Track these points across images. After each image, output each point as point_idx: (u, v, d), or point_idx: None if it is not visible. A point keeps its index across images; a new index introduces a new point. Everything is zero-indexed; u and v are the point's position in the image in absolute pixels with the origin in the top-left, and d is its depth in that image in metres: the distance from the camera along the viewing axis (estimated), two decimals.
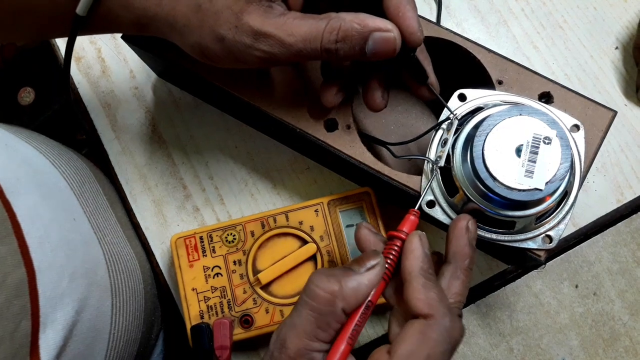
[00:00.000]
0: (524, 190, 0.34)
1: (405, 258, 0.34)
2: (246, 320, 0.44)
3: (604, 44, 0.53)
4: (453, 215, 0.38)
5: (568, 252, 0.49)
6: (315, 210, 0.46)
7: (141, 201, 0.51)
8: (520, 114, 0.35)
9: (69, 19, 0.36)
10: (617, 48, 0.53)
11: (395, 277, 0.34)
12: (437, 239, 0.49)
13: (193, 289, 0.45)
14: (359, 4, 0.35)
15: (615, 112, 0.41)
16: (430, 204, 0.39)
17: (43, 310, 0.34)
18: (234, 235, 0.46)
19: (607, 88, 0.52)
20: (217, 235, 0.46)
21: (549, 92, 0.41)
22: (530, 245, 0.38)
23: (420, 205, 0.37)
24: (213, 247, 0.46)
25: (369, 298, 0.32)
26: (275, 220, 0.46)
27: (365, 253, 0.34)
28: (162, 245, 0.50)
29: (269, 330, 0.44)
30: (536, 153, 0.34)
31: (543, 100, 0.41)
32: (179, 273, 0.45)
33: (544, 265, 0.49)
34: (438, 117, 0.49)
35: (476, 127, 0.36)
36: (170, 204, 0.51)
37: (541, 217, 0.37)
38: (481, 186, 0.35)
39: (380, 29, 0.34)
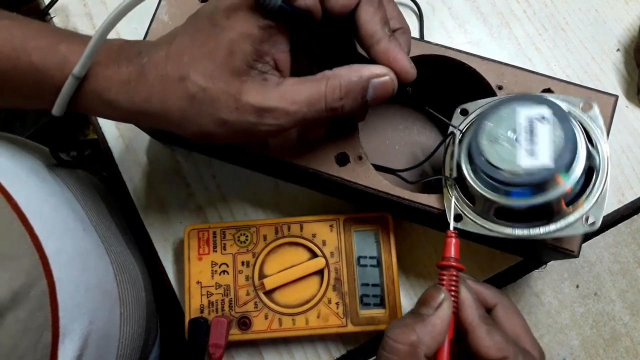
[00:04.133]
0: (532, 172, 0.34)
1: (460, 310, 0.34)
2: (244, 322, 0.44)
3: (606, 46, 0.53)
4: (482, 222, 0.37)
5: None
6: (330, 226, 0.46)
7: (144, 199, 0.51)
8: (511, 103, 0.35)
9: (50, 105, 0.35)
10: (618, 50, 0.53)
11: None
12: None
13: (198, 282, 0.45)
14: (341, 58, 0.35)
15: (617, 97, 0.41)
16: (458, 218, 0.38)
17: (62, 322, 0.34)
18: (247, 236, 0.46)
19: (609, 90, 0.51)
20: (230, 233, 0.46)
21: (549, 88, 0.41)
22: (570, 233, 0.36)
23: (449, 222, 0.38)
24: (224, 244, 0.46)
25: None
26: (289, 228, 0.46)
27: (429, 292, 0.34)
28: (165, 242, 0.50)
29: (264, 337, 0.45)
30: (534, 134, 0.34)
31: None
32: (187, 264, 0.45)
33: (544, 266, 0.49)
34: (439, 127, 0.49)
35: (474, 129, 0.37)
36: (173, 202, 0.51)
37: (572, 200, 0.36)
38: (492, 182, 0.35)
39: (377, 75, 0.34)
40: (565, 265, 0.49)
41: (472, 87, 0.43)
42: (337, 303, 0.45)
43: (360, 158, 0.41)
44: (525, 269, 0.49)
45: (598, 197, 0.36)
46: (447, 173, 0.40)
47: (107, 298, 0.40)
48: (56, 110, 0.35)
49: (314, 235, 0.46)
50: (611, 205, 0.50)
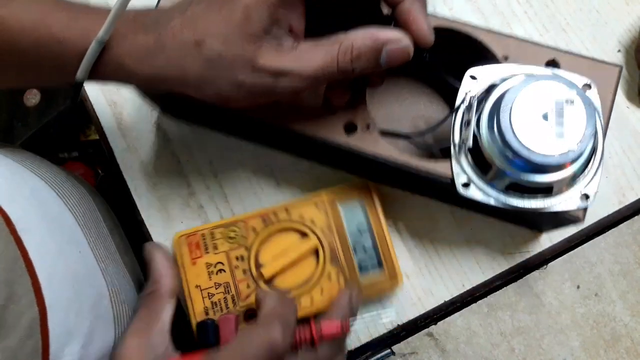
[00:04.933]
0: (558, 154, 0.35)
1: None
2: (251, 315, 0.44)
3: (607, 46, 0.53)
4: (490, 191, 0.39)
5: (570, 252, 0.49)
6: (316, 204, 0.46)
7: (146, 198, 0.51)
8: (538, 81, 0.36)
9: (71, 76, 0.36)
10: (619, 51, 0.53)
11: None
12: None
13: (197, 286, 0.45)
14: (359, 18, 0.36)
15: (621, 67, 0.42)
16: (466, 186, 0.39)
17: (53, 348, 0.34)
18: (236, 232, 0.46)
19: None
20: (219, 232, 0.46)
21: (554, 59, 0.42)
22: (570, 207, 0.38)
23: (457, 189, 0.39)
24: (215, 244, 0.46)
25: None
26: (276, 216, 0.46)
27: None
28: (165, 242, 0.50)
29: None
30: (562, 116, 0.35)
31: (551, 67, 0.42)
32: (182, 271, 0.45)
33: (545, 266, 0.49)
34: (446, 97, 0.49)
35: (497, 102, 0.37)
36: (174, 201, 0.51)
37: (574, 177, 0.38)
38: (515, 158, 0.36)
39: (392, 40, 0.34)
40: (566, 265, 0.49)
41: (478, 58, 0.43)
42: (337, 277, 0.45)
43: (368, 126, 0.42)
44: (526, 270, 0.49)
45: (594, 173, 0.38)
46: (456, 140, 0.40)
47: (101, 321, 0.40)
48: (80, 74, 0.35)
49: (301, 217, 0.46)
50: (612, 206, 0.50)
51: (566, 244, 0.49)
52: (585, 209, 0.40)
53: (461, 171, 0.39)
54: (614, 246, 0.49)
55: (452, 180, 0.40)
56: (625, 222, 0.50)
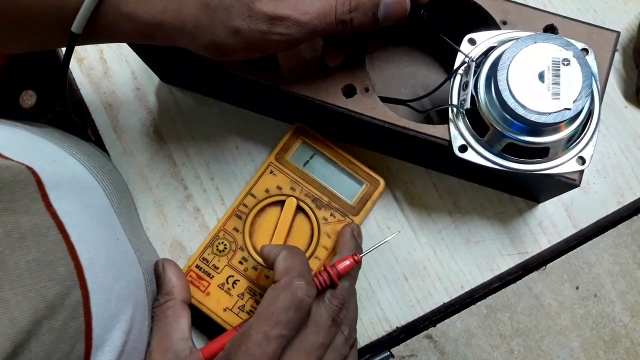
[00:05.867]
0: (554, 113, 0.35)
1: None
2: None
3: None
4: (487, 154, 0.39)
5: (569, 253, 0.49)
6: (271, 172, 0.47)
7: (142, 201, 0.51)
8: (535, 42, 0.37)
9: (69, 31, 0.36)
10: (617, 51, 0.53)
11: None
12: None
13: (225, 309, 0.45)
14: None
15: (619, 33, 0.42)
16: (463, 149, 0.40)
17: (95, 332, 0.34)
18: (223, 243, 0.46)
19: (608, 90, 0.52)
20: (208, 254, 0.46)
21: (552, 24, 0.42)
22: (566, 169, 0.39)
23: (453, 150, 0.39)
24: (213, 265, 0.46)
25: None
26: (245, 205, 0.47)
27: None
28: (162, 245, 0.50)
29: None
30: (558, 75, 0.36)
31: (549, 32, 0.42)
32: (203, 308, 0.45)
33: (544, 267, 0.49)
34: (446, 66, 0.49)
35: (495, 63, 0.38)
36: (171, 204, 0.51)
37: (570, 140, 0.38)
38: (511, 117, 0.36)
39: None
40: (565, 266, 0.49)
41: (477, 23, 0.43)
42: (331, 214, 0.46)
43: (367, 90, 0.42)
44: (525, 271, 0.49)
45: (590, 137, 0.39)
46: (454, 103, 0.40)
47: (138, 309, 0.40)
48: (77, 25, 0.35)
49: (267, 191, 0.47)
50: (610, 207, 0.50)
51: (565, 244, 0.49)
52: (581, 173, 0.40)
53: (458, 134, 0.40)
54: (613, 247, 0.49)
55: (450, 143, 0.40)
56: (624, 223, 0.49)
